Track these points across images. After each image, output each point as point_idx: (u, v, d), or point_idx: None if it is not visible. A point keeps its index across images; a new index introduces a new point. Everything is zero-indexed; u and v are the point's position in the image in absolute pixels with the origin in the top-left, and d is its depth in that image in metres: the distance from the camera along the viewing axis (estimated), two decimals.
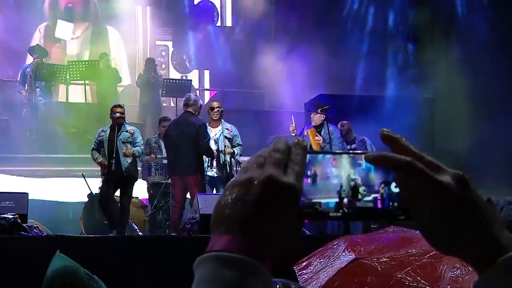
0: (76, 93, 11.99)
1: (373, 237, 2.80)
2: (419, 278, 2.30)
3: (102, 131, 8.51)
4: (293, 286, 1.43)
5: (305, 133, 8.96)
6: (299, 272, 2.52)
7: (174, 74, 13.81)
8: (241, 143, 8.89)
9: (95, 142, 8.54)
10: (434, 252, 2.28)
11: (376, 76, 12.11)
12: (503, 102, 11.25)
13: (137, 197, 9.45)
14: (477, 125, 11.12)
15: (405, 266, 2.35)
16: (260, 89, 13.47)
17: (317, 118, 9.00)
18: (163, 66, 13.73)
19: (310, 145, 8.80)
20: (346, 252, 2.54)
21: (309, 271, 2.52)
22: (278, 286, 1.35)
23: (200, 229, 7.20)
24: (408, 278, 2.30)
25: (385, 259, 2.40)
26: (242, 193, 0.74)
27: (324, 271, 2.47)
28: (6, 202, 7.10)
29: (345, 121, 9.53)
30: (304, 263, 2.59)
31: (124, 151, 8.36)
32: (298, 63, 12.52)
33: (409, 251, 2.43)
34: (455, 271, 2.24)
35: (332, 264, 2.50)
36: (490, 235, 0.77)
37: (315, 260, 2.60)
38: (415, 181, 0.78)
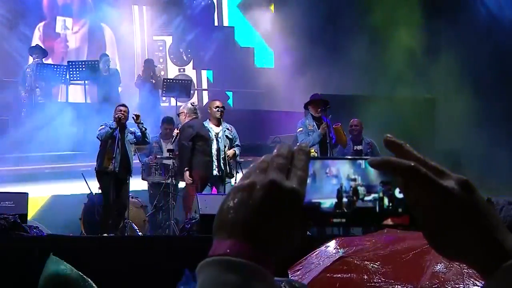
0: (76, 93, 11.98)
1: (366, 238, 2.82)
2: (401, 274, 2.32)
3: (114, 128, 8.46)
4: (297, 284, 1.44)
5: (309, 127, 8.97)
6: (292, 274, 2.53)
7: (172, 68, 13.82)
8: (239, 144, 9.01)
9: (109, 127, 8.46)
10: (419, 249, 2.30)
11: (376, 76, 12.11)
12: (503, 101, 11.26)
13: (137, 197, 9.46)
14: (477, 125, 11.14)
15: (389, 262, 2.37)
16: (260, 89, 13.47)
17: (315, 111, 9.02)
18: (161, 60, 13.73)
19: (336, 139, 8.88)
20: (335, 251, 2.56)
21: (300, 272, 2.54)
22: (282, 284, 1.35)
23: (200, 229, 7.21)
24: (391, 274, 2.31)
25: (369, 257, 2.42)
26: (245, 197, 0.74)
27: (313, 270, 2.49)
28: (6, 202, 7.10)
29: (357, 120, 9.41)
30: (297, 266, 2.61)
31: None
32: (298, 62, 12.52)
33: (395, 248, 2.44)
34: (437, 266, 2.25)
35: (321, 264, 2.52)
36: (495, 241, 0.76)
37: (307, 262, 2.62)
38: (419, 186, 0.78)
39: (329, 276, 2.39)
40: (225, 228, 0.74)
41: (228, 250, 0.72)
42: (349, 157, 0.86)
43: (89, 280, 2.27)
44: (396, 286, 2.23)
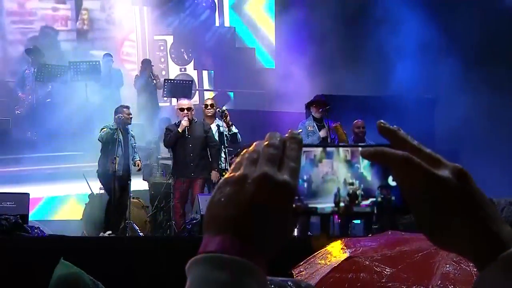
0: (76, 93, 11.94)
1: (370, 239, 2.82)
2: (410, 275, 2.31)
3: (112, 129, 8.48)
4: (303, 284, 1.43)
5: (309, 128, 9.00)
6: (296, 274, 2.53)
7: (173, 68, 13.81)
8: (236, 131, 8.94)
9: (109, 129, 8.49)
10: (427, 251, 2.30)
11: (376, 76, 12.11)
12: (503, 100, 11.25)
13: (139, 198, 9.47)
14: (477, 125, 11.14)
15: (398, 263, 2.36)
16: (261, 90, 13.46)
17: (316, 112, 9.07)
18: (162, 60, 13.73)
19: (338, 139, 8.93)
20: (342, 252, 2.55)
21: (305, 272, 2.54)
22: (288, 284, 1.34)
23: (201, 229, 7.22)
24: (400, 275, 2.31)
25: (378, 257, 2.41)
26: (236, 191, 0.72)
27: (319, 270, 2.48)
28: (7, 203, 7.10)
29: (361, 121, 9.35)
30: (301, 266, 2.61)
31: (139, 167, 8.89)
32: (299, 62, 12.52)
33: (403, 249, 2.44)
34: (447, 268, 2.25)
35: (327, 263, 2.51)
36: (490, 230, 0.74)
37: (312, 262, 2.61)
38: (413, 176, 0.76)
39: (338, 276, 2.38)
40: (215, 224, 0.72)
41: (218, 247, 0.70)
42: (342, 144, 0.84)
43: (100, 283, 2.26)
44: (406, 287, 2.23)
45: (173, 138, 8.50)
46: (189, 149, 8.49)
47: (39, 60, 11.28)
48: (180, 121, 8.59)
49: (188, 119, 8.48)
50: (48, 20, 12.90)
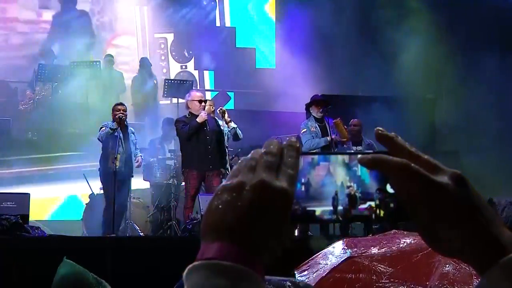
0: (77, 93, 11.97)
1: (372, 238, 2.81)
2: (409, 275, 2.31)
3: (114, 128, 8.48)
4: (301, 284, 1.43)
5: (311, 128, 9.01)
6: (299, 275, 2.53)
7: (174, 65, 13.82)
8: (236, 126, 8.91)
9: (110, 128, 8.48)
10: (427, 250, 2.30)
11: (377, 76, 12.11)
12: (504, 99, 11.26)
13: (139, 198, 9.47)
14: (478, 126, 11.14)
15: (398, 263, 2.37)
16: (261, 90, 13.46)
17: (317, 112, 9.09)
18: (163, 58, 13.72)
19: (340, 135, 8.92)
20: (342, 252, 2.55)
21: (307, 272, 2.54)
22: (287, 284, 1.34)
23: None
24: (399, 275, 2.31)
25: (378, 257, 2.41)
26: (233, 198, 0.72)
27: (320, 270, 2.48)
28: (8, 203, 7.10)
29: (357, 120, 9.41)
30: (304, 266, 2.61)
31: (139, 162, 8.88)
32: (299, 62, 12.52)
33: (403, 249, 2.44)
34: (445, 267, 2.24)
35: (328, 264, 2.52)
36: (490, 235, 0.75)
37: (314, 262, 2.61)
38: (411, 182, 0.76)
39: (337, 276, 2.39)
40: (213, 231, 0.72)
41: (216, 254, 0.70)
42: (340, 151, 0.84)
43: (104, 281, 2.26)
44: (405, 287, 2.23)
45: (194, 130, 8.31)
46: (207, 141, 8.40)
47: (52, 62, 11.30)
48: (191, 112, 8.52)
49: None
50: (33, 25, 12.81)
